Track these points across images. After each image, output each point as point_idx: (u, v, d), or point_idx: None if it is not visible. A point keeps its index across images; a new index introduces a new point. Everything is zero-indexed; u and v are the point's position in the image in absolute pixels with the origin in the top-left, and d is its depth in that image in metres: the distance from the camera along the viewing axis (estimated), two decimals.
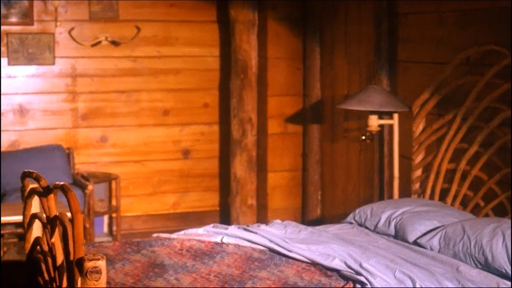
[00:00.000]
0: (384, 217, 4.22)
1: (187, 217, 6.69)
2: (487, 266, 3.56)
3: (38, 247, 3.30)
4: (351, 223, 4.43)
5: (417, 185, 4.80)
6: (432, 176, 4.63)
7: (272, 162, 6.39)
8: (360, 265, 3.40)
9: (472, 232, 3.71)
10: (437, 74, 4.65)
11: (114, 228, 6.37)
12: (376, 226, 4.25)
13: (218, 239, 3.91)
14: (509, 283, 3.41)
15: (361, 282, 3.29)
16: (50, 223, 3.02)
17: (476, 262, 3.61)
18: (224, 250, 3.80)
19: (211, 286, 3.32)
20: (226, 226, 4.13)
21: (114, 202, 6.37)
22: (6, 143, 6.22)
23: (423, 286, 3.26)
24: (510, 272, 3.46)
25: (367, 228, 4.31)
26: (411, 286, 3.27)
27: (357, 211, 4.45)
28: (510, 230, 3.58)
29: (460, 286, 3.33)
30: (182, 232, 4.09)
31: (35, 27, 6.22)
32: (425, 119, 4.78)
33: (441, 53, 4.75)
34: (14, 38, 6.15)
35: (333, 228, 4.31)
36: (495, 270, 3.52)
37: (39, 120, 6.32)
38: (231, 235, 3.93)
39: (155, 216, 6.62)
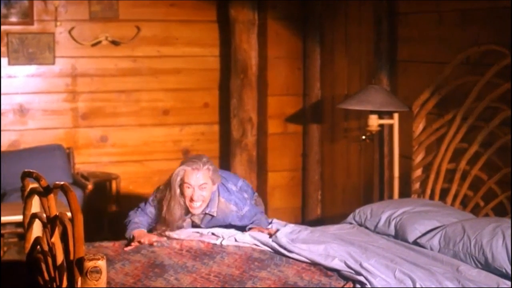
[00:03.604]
0: (384, 217, 4.23)
1: None
2: (487, 266, 3.56)
3: (38, 247, 3.30)
4: (351, 223, 4.43)
5: (417, 185, 4.80)
6: (432, 176, 4.63)
7: (272, 162, 6.39)
8: (360, 265, 3.40)
9: (472, 232, 3.72)
10: (437, 74, 4.65)
11: None
12: (376, 226, 4.25)
13: (217, 241, 3.90)
14: (509, 283, 3.41)
15: (361, 282, 3.29)
16: (50, 223, 3.02)
17: (476, 262, 3.61)
18: (224, 250, 3.80)
19: (211, 286, 3.32)
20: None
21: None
22: (6, 143, 6.22)
23: (423, 286, 3.26)
24: (510, 272, 3.46)
25: (367, 228, 4.31)
26: (411, 286, 3.27)
27: (357, 211, 4.45)
28: (510, 230, 3.58)
29: (460, 286, 3.33)
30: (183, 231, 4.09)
31: (35, 27, 6.22)
32: (425, 119, 4.78)
33: (441, 53, 4.75)
34: (14, 38, 6.15)
35: (333, 229, 4.31)
36: (495, 270, 3.52)
37: (39, 120, 6.32)
38: (229, 240, 3.93)
39: None
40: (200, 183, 3.96)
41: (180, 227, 4.06)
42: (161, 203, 4.06)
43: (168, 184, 4.04)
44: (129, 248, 3.85)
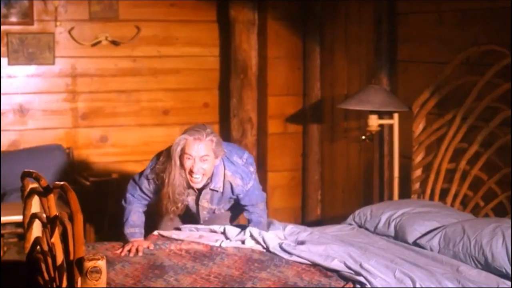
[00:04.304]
0: (384, 218, 4.23)
1: None
2: (487, 266, 3.56)
3: (38, 247, 3.30)
4: (350, 224, 4.43)
5: (417, 185, 4.80)
6: (432, 176, 4.63)
7: (272, 162, 6.39)
8: (360, 266, 3.40)
9: (472, 232, 3.72)
10: (437, 74, 4.65)
11: None
12: (376, 227, 4.25)
13: (217, 244, 3.89)
14: (509, 283, 3.41)
15: (360, 282, 3.29)
16: (50, 223, 3.02)
17: (476, 262, 3.61)
18: (224, 252, 3.80)
19: (211, 287, 3.32)
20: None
21: None
22: (6, 143, 6.21)
23: (423, 286, 3.26)
24: (510, 272, 3.46)
25: (367, 229, 4.31)
26: (411, 286, 3.27)
27: (356, 212, 4.45)
28: (510, 230, 3.58)
29: (460, 286, 3.33)
30: (185, 227, 4.08)
31: (35, 27, 6.21)
32: (425, 119, 4.78)
33: (441, 53, 4.75)
34: (14, 38, 6.15)
35: (333, 230, 4.31)
36: (495, 270, 3.52)
37: (39, 120, 6.32)
38: (229, 242, 3.92)
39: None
40: (201, 155, 3.74)
41: (184, 203, 3.89)
42: (159, 176, 3.88)
43: (168, 155, 3.84)
44: (120, 251, 3.81)
